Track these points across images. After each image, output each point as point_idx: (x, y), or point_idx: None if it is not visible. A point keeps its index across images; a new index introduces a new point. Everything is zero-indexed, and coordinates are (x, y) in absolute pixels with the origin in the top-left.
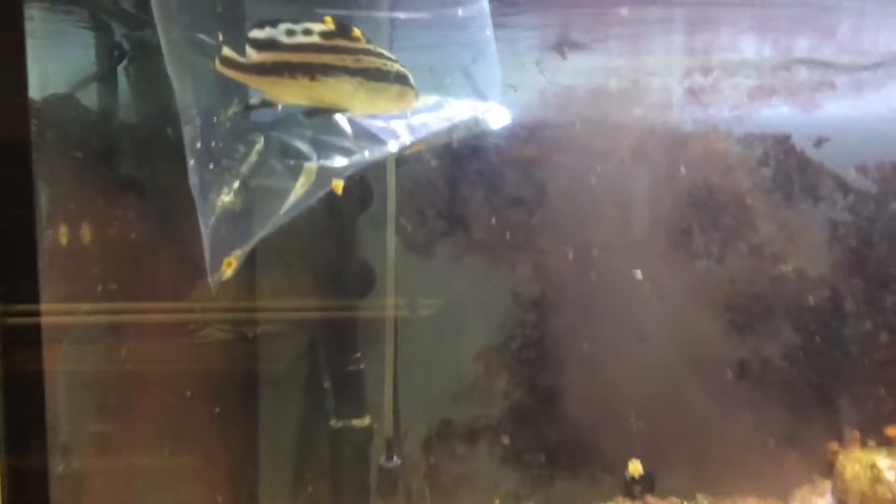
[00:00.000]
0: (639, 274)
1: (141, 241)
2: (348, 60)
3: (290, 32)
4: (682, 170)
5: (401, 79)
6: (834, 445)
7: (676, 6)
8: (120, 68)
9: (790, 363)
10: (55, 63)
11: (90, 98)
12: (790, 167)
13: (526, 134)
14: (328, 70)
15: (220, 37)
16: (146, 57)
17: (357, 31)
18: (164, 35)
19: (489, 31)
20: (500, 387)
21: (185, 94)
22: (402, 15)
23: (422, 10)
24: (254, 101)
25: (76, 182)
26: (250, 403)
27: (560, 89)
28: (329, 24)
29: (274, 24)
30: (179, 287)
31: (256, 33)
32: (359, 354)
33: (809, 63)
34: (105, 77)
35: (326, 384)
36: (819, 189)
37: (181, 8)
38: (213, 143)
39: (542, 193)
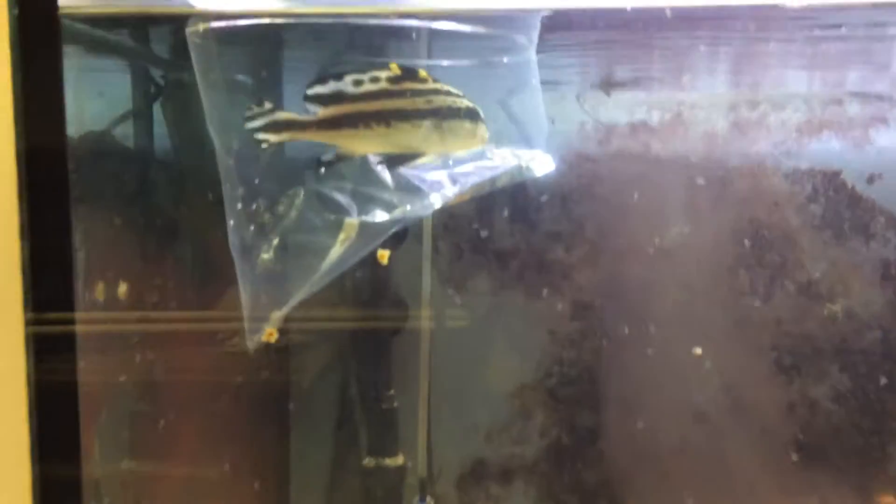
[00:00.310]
0: (698, 351)
1: (176, 291)
2: (420, 102)
3: (357, 83)
4: (727, 205)
5: (472, 115)
6: (888, 498)
7: (722, 38)
8: (156, 105)
9: (839, 407)
10: (90, 99)
11: (126, 135)
12: (840, 204)
13: (565, 168)
14: (402, 115)
15: (267, 104)
16: (184, 94)
17: (423, 72)
18: (206, 94)
19: (535, 80)
20: (535, 425)
21: (225, 153)
22: (444, 62)
23: (465, 56)
24: (327, 156)
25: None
26: (281, 440)
27: (600, 122)
28: (395, 70)
29: (338, 76)
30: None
31: (320, 88)
32: (392, 392)
33: (862, 97)
34: (141, 114)
35: (359, 422)
36: (871, 227)
37: (224, 70)
38: (254, 205)
39: (580, 229)
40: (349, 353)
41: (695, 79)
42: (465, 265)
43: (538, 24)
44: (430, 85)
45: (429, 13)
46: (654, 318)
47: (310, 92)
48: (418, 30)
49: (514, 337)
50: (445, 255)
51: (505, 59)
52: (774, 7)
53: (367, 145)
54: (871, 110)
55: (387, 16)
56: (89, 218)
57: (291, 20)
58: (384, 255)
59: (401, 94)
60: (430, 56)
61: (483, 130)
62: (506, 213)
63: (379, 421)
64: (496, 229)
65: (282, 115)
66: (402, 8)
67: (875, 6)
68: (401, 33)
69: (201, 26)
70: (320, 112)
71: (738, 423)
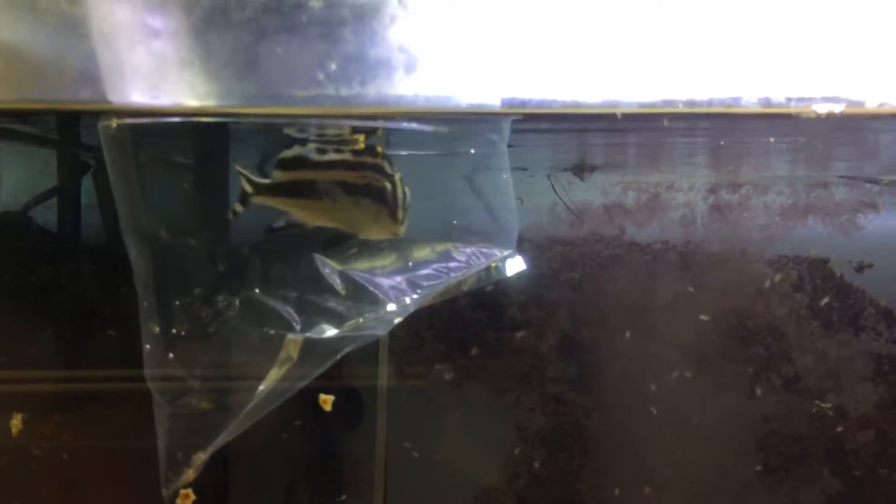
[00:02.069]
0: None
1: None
2: (355, 177)
3: (321, 151)
4: (707, 294)
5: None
6: None
7: (701, 122)
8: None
9: None
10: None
11: (47, 216)
12: (828, 294)
13: (534, 251)
14: (347, 189)
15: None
16: None
17: (380, 149)
18: (120, 194)
19: (507, 175)
20: None
21: (141, 259)
22: (402, 152)
23: (427, 147)
24: (278, 222)
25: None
26: None
27: (572, 204)
28: (360, 145)
29: (304, 142)
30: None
31: (287, 152)
32: (343, 497)
33: (849, 182)
34: (65, 191)
35: None
36: (861, 319)
37: (152, 155)
38: (173, 331)
39: (551, 316)
40: (295, 452)
41: (672, 161)
42: (425, 354)
43: (509, 122)
44: (374, 160)
45: (389, 114)
46: (629, 412)
47: (280, 156)
48: None
49: (479, 433)
50: (404, 343)
51: (472, 150)
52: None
53: (314, 217)
54: (858, 195)
55: (333, 117)
56: None
57: (230, 119)
58: (327, 401)
59: (355, 166)
60: (388, 146)
61: (399, 224)
62: (469, 297)
63: None
64: (459, 315)
65: (245, 177)
66: (360, 110)
67: (872, 116)
68: None
69: (115, 121)
70: (277, 174)
71: None
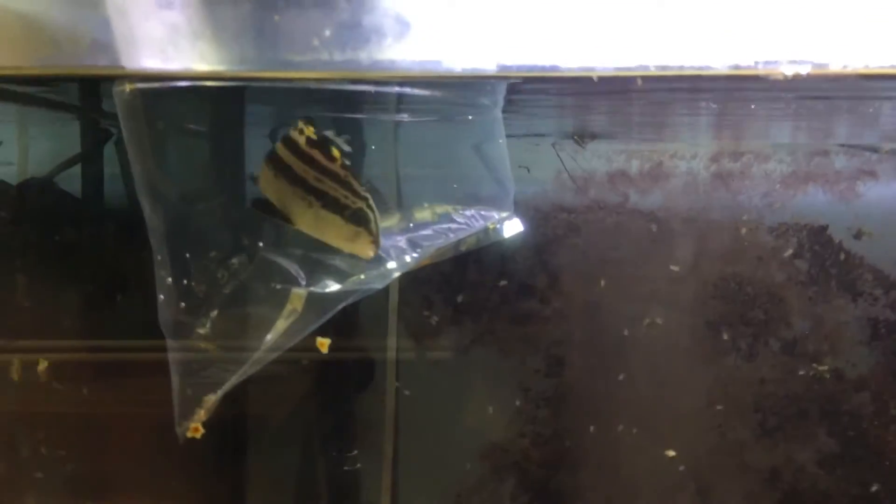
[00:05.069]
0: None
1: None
2: (310, 175)
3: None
4: (708, 259)
5: (357, 219)
6: None
7: (704, 90)
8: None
9: (826, 472)
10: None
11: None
12: (827, 260)
13: (540, 218)
14: (293, 180)
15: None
16: None
17: (336, 152)
18: (134, 155)
19: (502, 140)
20: (507, 489)
21: (156, 218)
22: (406, 117)
23: (432, 112)
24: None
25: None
26: None
27: (577, 171)
28: (310, 133)
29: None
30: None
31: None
32: (355, 453)
33: (849, 150)
34: (88, 158)
35: (319, 485)
36: (858, 284)
37: (167, 123)
38: (184, 281)
39: (555, 281)
40: (309, 411)
41: (675, 130)
42: (434, 317)
43: (503, 88)
44: (330, 166)
45: (382, 78)
46: (631, 376)
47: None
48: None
49: (486, 394)
50: (413, 307)
51: (470, 117)
52: (756, 78)
53: (299, 217)
54: (858, 163)
55: (338, 81)
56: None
57: (235, 83)
58: (324, 344)
59: (305, 159)
60: (398, 110)
61: (367, 242)
62: (478, 263)
63: (340, 484)
64: (467, 280)
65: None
66: (353, 73)
67: (864, 77)
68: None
69: (128, 85)
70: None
71: (723, 484)
